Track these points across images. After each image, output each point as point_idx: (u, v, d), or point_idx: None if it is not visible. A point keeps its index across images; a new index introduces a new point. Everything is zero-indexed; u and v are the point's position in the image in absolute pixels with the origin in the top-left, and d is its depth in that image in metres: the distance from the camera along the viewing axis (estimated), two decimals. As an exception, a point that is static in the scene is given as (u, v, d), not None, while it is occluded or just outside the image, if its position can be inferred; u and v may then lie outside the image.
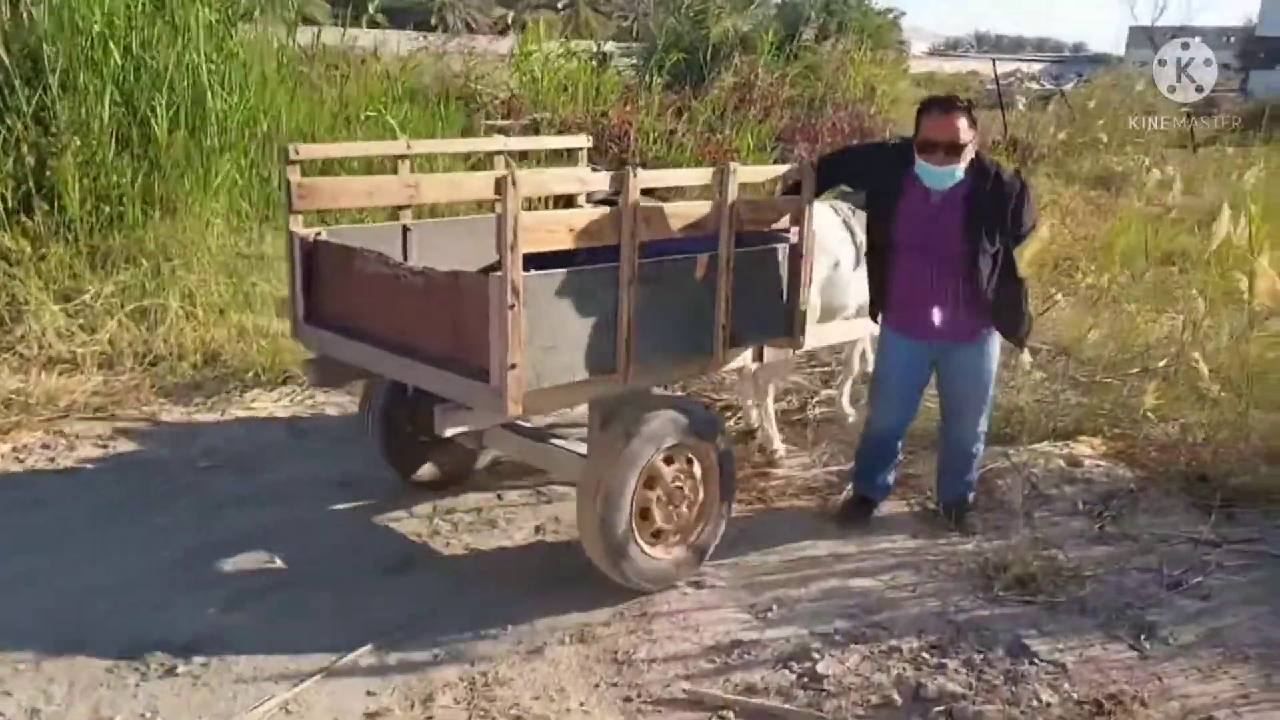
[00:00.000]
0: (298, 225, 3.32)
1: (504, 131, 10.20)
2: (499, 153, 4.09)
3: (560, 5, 53.30)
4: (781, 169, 3.61)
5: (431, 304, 2.95)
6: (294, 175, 3.28)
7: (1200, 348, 4.34)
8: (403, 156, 3.74)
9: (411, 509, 3.68)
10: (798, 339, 3.51)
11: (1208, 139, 17.18)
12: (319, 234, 3.36)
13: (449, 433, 3.02)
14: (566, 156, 4.51)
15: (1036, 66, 44.54)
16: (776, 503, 3.87)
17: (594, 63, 12.68)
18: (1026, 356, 4.65)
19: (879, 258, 3.52)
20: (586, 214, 2.95)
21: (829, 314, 4.39)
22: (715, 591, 3.17)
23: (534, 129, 10.32)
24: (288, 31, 8.44)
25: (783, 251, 3.42)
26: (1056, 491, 3.86)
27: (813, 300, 4.20)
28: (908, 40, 43.65)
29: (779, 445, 4.30)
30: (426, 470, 3.83)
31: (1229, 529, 3.59)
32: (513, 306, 2.64)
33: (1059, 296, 6.05)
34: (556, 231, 2.80)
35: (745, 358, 3.57)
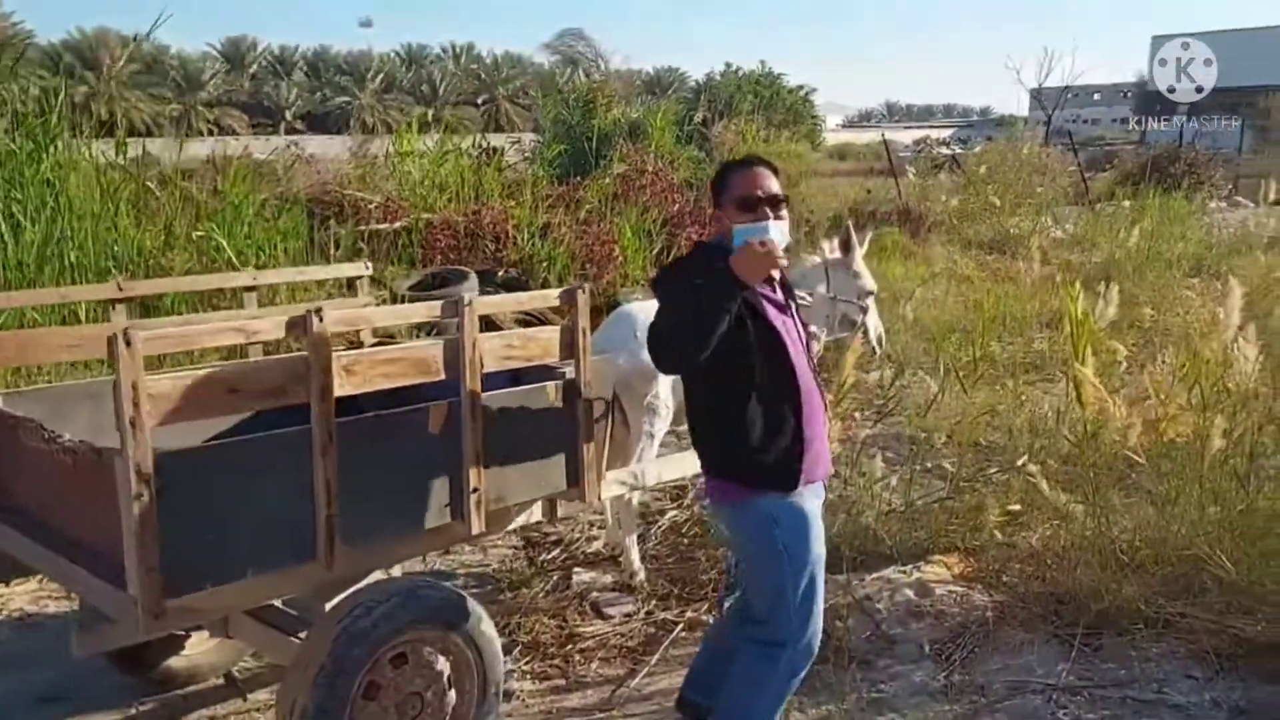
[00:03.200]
0: (-27, 389, 2.77)
1: (373, 236, 9.77)
2: (250, 288, 3.56)
3: (480, 101, 54.02)
4: (532, 295, 3.12)
5: (80, 487, 2.40)
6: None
7: (1039, 457, 3.92)
8: (115, 301, 3.21)
9: (131, 725, 3.03)
10: (585, 490, 2.97)
11: (1105, 192, 17.49)
12: (-6, 397, 2.80)
13: (85, 654, 2.41)
14: (347, 286, 4.01)
15: (945, 132, 46.13)
16: (580, 671, 3.29)
17: (481, 158, 12.40)
18: (879, 460, 4.20)
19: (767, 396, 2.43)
20: (257, 367, 2.43)
21: None
22: (468, 817, 2.57)
23: (405, 232, 9.92)
24: (117, 150, 7.96)
25: (555, 389, 2.91)
26: (902, 631, 3.35)
27: (664, 399, 3.73)
28: (822, 115, 45.07)
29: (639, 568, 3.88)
30: (170, 665, 3.20)
31: (1092, 665, 3.10)
32: (140, 495, 2.11)
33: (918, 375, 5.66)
34: (208, 397, 2.26)
35: (532, 513, 3.04)
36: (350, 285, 3.95)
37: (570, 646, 3.43)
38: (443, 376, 2.63)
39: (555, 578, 3.99)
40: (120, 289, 3.23)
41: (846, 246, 4.04)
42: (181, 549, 2.18)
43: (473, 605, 2.70)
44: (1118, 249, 10.39)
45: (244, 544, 2.29)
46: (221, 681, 3.26)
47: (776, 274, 2.63)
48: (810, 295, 3.94)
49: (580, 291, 2.88)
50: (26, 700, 3.15)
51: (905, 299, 8.50)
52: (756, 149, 14.90)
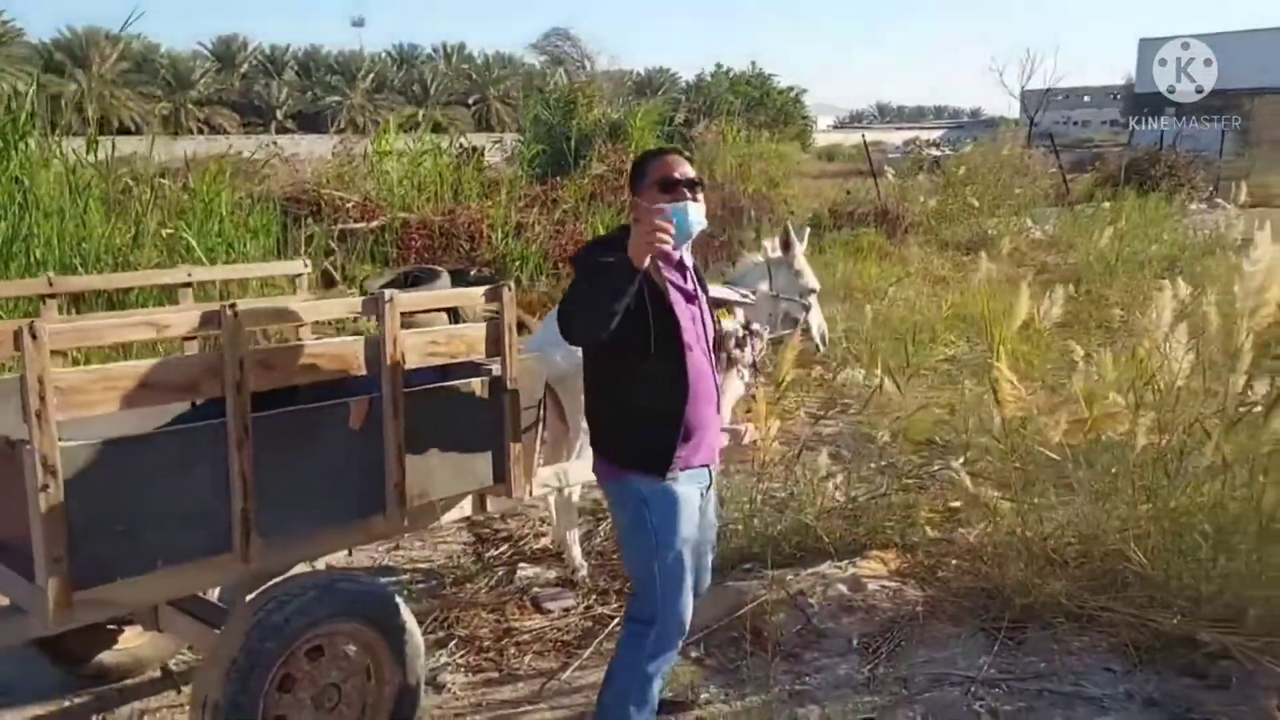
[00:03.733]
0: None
1: (351, 234, 9.80)
2: (186, 285, 3.59)
3: (471, 101, 53.94)
4: (457, 292, 3.15)
5: (-3, 480, 2.42)
6: None
7: (980, 454, 3.96)
8: (45, 296, 3.24)
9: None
10: (512, 486, 3.00)
11: (1085, 194, 17.56)
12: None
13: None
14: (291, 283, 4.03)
15: (936, 133, 46.18)
16: (514, 664, 3.32)
17: (461, 158, 12.42)
18: (824, 458, 4.23)
19: (653, 373, 2.46)
20: (171, 361, 2.45)
21: None
22: (385, 807, 2.60)
23: (381, 231, 9.95)
24: (88, 147, 7.97)
25: (481, 386, 2.93)
26: (833, 625, 3.38)
27: None
28: (813, 116, 45.02)
29: (581, 564, 3.96)
30: (103, 660, 3.22)
31: (1014, 658, 3.14)
32: (46, 487, 2.14)
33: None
34: (121, 391, 2.29)
35: (464, 507, 3.07)
36: (325, 283, 3.99)
37: (506, 640, 3.46)
38: (364, 372, 2.67)
39: (500, 573, 4.03)
40: (50, 284, 3.25)
41: (786, 245, 4.09)
42: (90, 541, 2.20)
43: (393, 598, 2.73)
44: (1091, 250, 10.45)
45: (156, 537, 2.31)
46: (158, 674, 3.29)
47: (689, 261, 2.68)
48: (753, 293, 3.99)
49: (505, 288, 2.91)
50: (-37, 693, 3.18)
51: (878, 298, 8.56)
52: (738, 149, 14.95)
